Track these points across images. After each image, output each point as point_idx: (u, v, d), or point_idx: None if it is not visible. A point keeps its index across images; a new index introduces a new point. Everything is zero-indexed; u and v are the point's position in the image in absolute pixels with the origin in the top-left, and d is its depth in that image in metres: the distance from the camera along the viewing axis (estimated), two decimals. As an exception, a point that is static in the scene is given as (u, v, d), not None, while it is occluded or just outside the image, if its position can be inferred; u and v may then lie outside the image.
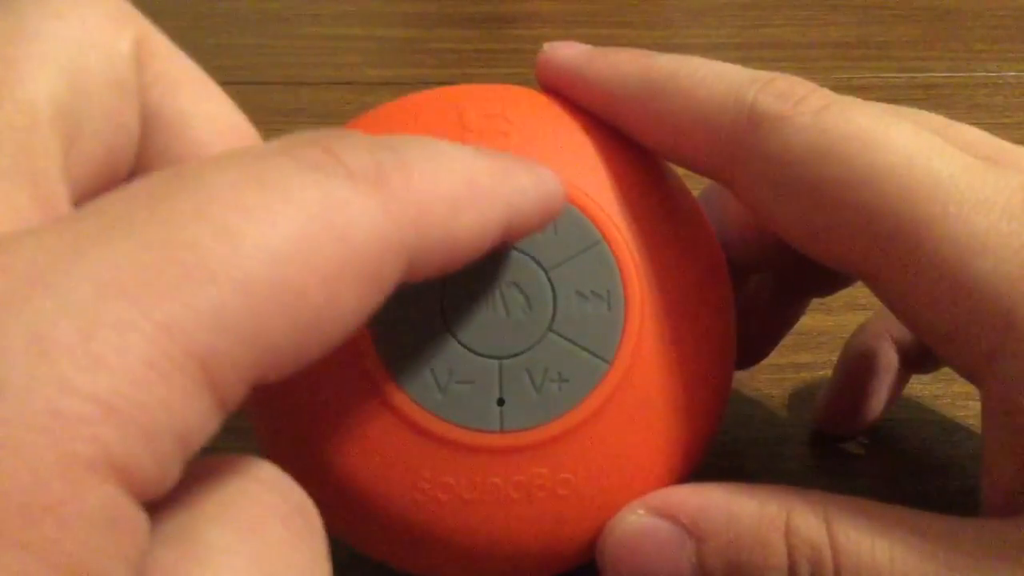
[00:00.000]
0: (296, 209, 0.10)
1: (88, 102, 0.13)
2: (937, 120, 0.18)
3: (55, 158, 0.12)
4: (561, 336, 0.16)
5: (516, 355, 0.16)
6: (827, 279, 0.23)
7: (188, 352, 0.09)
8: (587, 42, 0.19)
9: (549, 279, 0.17)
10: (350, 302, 0.10)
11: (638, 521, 0.16)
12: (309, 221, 0.10)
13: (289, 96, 0.42)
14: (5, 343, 0.08)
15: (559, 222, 0.17)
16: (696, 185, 0.19)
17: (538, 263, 0.17)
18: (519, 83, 0.19)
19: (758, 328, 0.24)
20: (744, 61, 0.17)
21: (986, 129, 0.18)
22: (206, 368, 0.09)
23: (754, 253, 0.21)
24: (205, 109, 0.14)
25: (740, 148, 0.16)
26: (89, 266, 0.09)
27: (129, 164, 0.14)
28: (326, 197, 0.10)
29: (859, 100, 0.16)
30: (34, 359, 0.08)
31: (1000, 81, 0.43)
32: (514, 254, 0.17)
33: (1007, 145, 0.17)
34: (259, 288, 0.09)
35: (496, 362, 0.16)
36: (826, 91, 0.16)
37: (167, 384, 0.09)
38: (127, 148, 0.13)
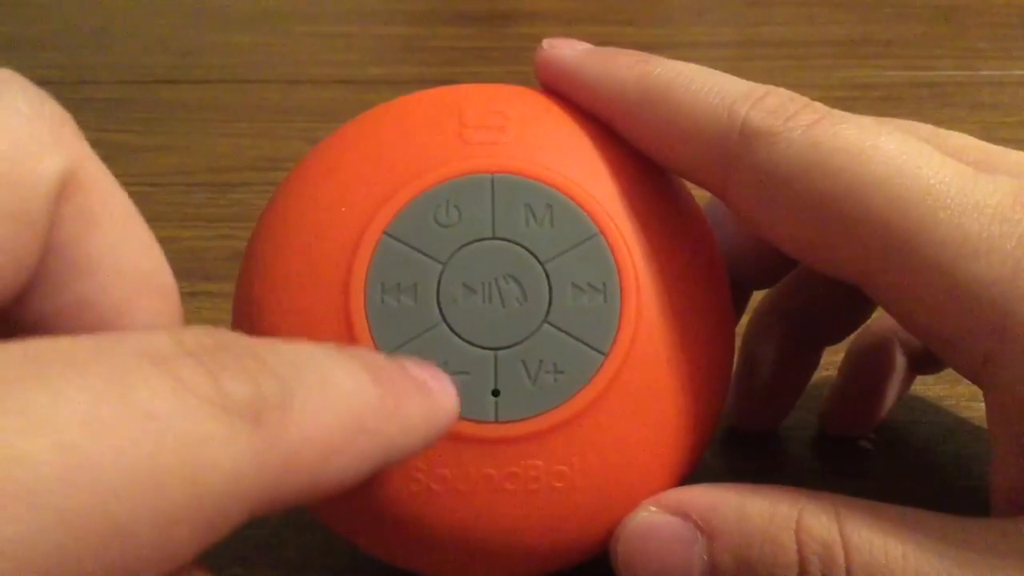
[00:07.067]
0: (153, 441, 0.09)
1: None
2: (925, 129, 0.18)
3: None
4: (557, 328, 0.16)
5: (511, 346, 0.16)
6: (838, 321, 0.23)
7: None
8: (587, 40, 0.19)
9: (545, 271, 0.17)
10: (181, 546, 0.10)
11: (650, 518, 0.16)
12: (163, 455, 0.09)
13: (287, 94, 0.42)
14: None
15: (555, 216, 0.17)
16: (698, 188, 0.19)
17: (534, 255, 0.17)
18: (519, 81, 0.19)
19: (775, 385, 0.23)
20: (745, 59, 0.17)
21: (989, 128, 0.18)
22: None
23: (757, 265, 0.21)
24: (118, 255, 0.13)
25: (732, 162, 0.16)
26: None
27: (14, 293, 0.13)
28: (192, 430, 0.10)
29: (850, 114, 0.16)
30: None
31: (1005, 80, 0.43)
32: (510, 247, 0.17)
33: (996, 149, 0.17)
34: (81, 524, 0.09)
35: (491, 353, 0.16)
36: (818, 105, 0.17)
37: None
38: (13, 280, 0.13)
